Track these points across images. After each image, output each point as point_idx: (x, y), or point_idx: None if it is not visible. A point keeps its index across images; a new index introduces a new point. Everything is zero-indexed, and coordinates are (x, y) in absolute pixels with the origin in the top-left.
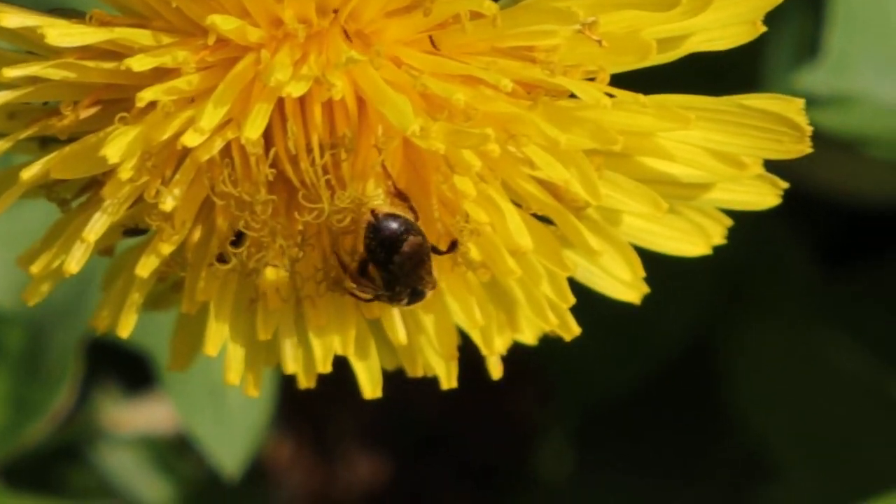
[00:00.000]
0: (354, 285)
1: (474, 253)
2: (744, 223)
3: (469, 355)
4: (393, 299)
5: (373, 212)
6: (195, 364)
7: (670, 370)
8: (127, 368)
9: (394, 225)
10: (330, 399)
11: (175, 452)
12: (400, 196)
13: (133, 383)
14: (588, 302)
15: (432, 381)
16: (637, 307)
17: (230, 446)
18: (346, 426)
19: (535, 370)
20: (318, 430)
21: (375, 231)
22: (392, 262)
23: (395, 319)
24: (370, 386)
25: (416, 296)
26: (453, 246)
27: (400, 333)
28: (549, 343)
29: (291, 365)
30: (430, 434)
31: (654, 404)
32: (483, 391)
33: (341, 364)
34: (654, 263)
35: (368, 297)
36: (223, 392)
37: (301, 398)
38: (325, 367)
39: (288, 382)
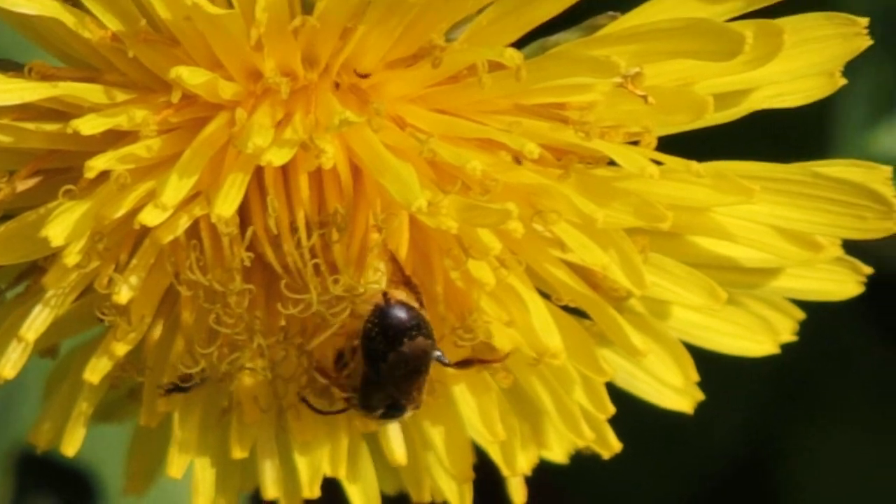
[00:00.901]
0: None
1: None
2: (807, 308)
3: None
4: (366, 407)
5: (385, 294)
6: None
7: (717, 487)
8: (65, 487)
9: (403, 316)
10: None
11: None
12: (409, 285)
13: (73, 502)
14: (619, 405)
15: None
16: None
17: None
18: None
19: (556, 488)
20: None
21: (382, 316)
22: (385, 360)
23: (391, 433)
24: None
25: (393, 410)
26: (465, 364)
27: (397, 451)
28: (573, 455)
29: (272, 489)
30: None
31: None
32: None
33: (332, 485)
34: (700, 359)
35: (336, 406)
36: None
37: None
38: (313, 491)
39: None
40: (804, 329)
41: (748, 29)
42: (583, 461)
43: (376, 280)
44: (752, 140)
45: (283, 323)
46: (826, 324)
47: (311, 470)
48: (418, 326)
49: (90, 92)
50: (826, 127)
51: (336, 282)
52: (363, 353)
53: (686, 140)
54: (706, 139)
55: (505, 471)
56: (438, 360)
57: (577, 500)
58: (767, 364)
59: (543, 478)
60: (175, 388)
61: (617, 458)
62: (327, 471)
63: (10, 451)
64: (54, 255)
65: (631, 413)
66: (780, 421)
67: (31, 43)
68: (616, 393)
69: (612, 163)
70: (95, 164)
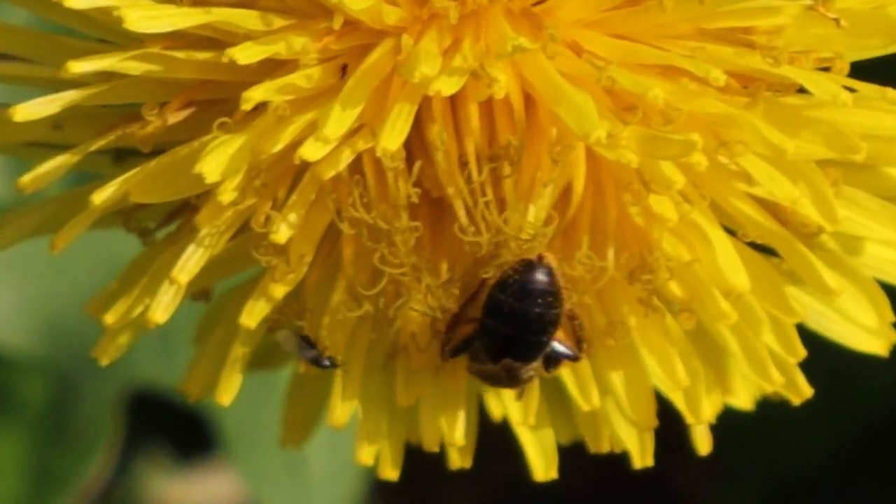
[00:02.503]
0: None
1: (675, 289)
2: None
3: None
4: (473, 359)
5: (540, 255)
6: (266, 428)
7: (876, 438)
8: (179, 432)
9: (546, 279)
10: (439, 473)
11: None
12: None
13: (187, 450)
14: None
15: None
16: (844, 356)
17: None
18: None
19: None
20: None
21: (527, 270)
22: (502, 316)
23: (586, 375)
24: (543, 465)
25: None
26: (577, 348)
27: (593, 394)
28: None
29: (433, 438)
30: None
31: (856, 480)
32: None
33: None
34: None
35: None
36: (304, 463)
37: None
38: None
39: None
40: None
41: None
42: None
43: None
44: None
45: (447, 265)
46: None
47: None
48: (554, 299)
49: (246, 18)
50: None
51: (506, 221)
52: (489, 307)
53: (880, 67)
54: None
55: (689, 418)
56: (554, 351)
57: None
58: None
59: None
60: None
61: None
62: (503, 417)
63: (122, 392)
64: (208, 192)
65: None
66: None
67: None
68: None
69: (802, 90)
70: (252, 95)
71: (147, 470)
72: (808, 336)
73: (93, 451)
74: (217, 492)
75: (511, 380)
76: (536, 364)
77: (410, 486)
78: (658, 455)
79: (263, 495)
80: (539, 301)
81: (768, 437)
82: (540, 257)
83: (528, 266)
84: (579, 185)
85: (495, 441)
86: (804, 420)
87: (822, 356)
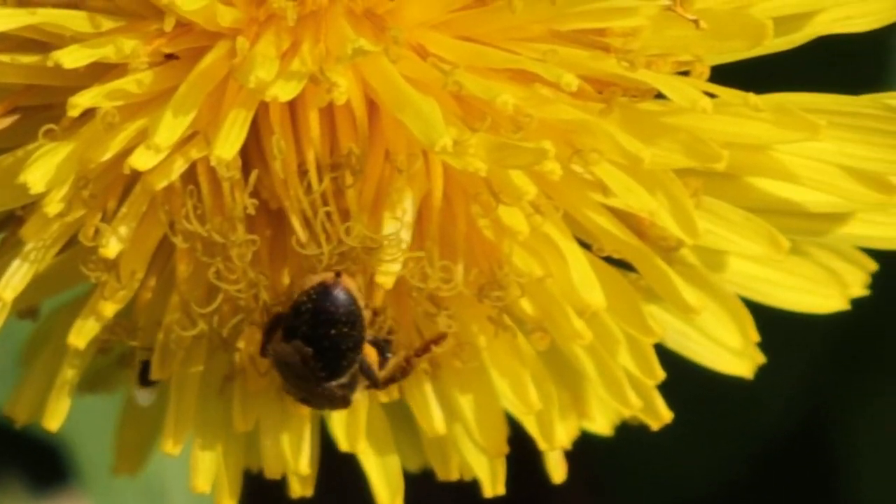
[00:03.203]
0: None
1: (526, 307)
2: (880, 258)
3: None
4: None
5: (338, 273)
6: None
7: (769, 457)
8: (34, 461)
9: (345, 304)
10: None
11: None
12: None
13: (42, 480)
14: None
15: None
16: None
17: None
18: None
19: (596, 461)
20: None
21: (322, 295)
22: (300, 339)
23: (429, 398)
24: (387, 492)
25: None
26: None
27: (437, 419)
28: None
29: (276, 466)
30: None
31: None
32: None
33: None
34: (758, 316)
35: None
36: (162, 492)
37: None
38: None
39: (256, 479)
40: (876, 282)
41: None
42: (627, 432)
43: (394, 231)
44: (816, 70)
45: (288, 280)
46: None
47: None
48: (353, 325)
49: (73, 20)
50: (893, 55)
51: (348, 231)
52: (285, 325)
53: (742, 70)
54: (764, 69)
55: (542, 444)
56: (364, 372)
57: (619, 475)
58: (833, 321)
59: (584, 452)
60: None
61: (662, 430)
62: (343, 445)
63: None
64: (34, 204)
65: (680, 378)
66: (839, 384)
67: None
68: (665, 356)
69: (659, 96)
70: (80, 101)
71: (1, 501)
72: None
73: None
74: None
75: (322, 399)
76: (344, 381)
77: None
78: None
79: None
80: (334, 329)
81: (651, 464)
82: (337, 278)
83: (323, 291)
84: (437, 195)
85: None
86: (690, 446)
87: (714, 380)
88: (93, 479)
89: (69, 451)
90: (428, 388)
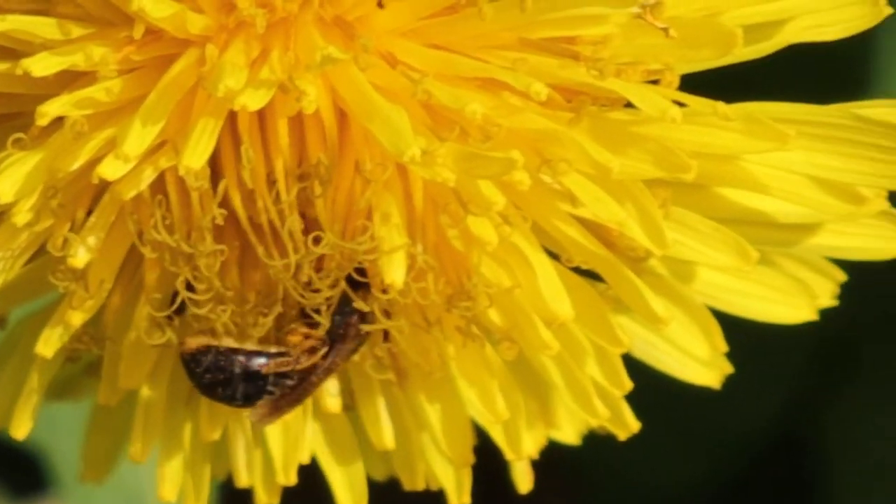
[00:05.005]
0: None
1: (495, 317)
2: (849, 268)
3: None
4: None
5: (181, 343)
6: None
7: (746, 468)
8: (12, 469)
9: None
10: None
11: None
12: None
13: (20, 487)
14: (636, 376)
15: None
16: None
17: None
18: None
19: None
20: None
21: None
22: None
23: (380, 411)
24: (351, 499)
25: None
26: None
27: (385, 433)
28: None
29: (245, 475)
30: None
31: None
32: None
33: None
34: (730, 327)
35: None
36: (143, 499)
37: None
38: (289, 477)
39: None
40: (845, 293)
41: None
42: (597, 442)
43: (364, 241)
44: (787, 79)
45: (257, 291)
46: (870, 286)
47: (286, 453)
48: (222, 382)
49: (42, 26)
50: (868, 63)
51: (316, 241)
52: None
53: (712, 79)
54: (735, 78)
55: (508, 454)
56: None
57: (590, 486)
58: (803, 332)
59: (553, 461)
60: None
61: (634, 439)
62: (305, 454)
63: None
64: (1, 214)
65: (650, 388)
66: (815, 395)
67: None
68: (634, 366)
69: (629, 105)
70: (48, 110)
71: None
72: None
73: None
74: None
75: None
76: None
77: None
78: None
79: None
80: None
81: (624, 473)
82: (182, 346)
83: (185, 363)
84: (418, 200)
85: None
86: (662, 455)
87: (687, 388)
88: (71, 487)
89: (47, 458)
90: (380, 402)
